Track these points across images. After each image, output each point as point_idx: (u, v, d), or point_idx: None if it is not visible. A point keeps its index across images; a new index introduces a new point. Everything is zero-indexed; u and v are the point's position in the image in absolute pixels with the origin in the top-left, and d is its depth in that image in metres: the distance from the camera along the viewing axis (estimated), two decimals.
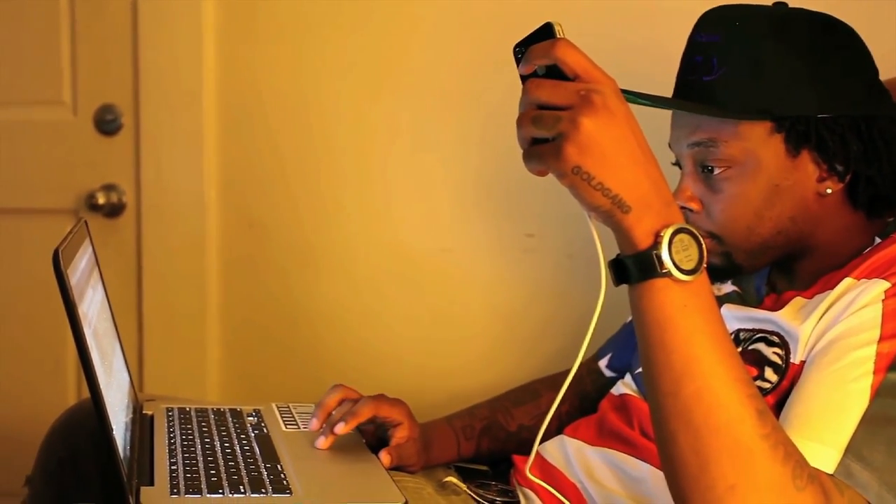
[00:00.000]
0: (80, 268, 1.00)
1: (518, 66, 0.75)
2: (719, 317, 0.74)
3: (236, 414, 1.20)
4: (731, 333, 1.04)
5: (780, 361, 0.97)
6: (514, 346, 1.63)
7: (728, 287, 1.12)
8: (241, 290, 1.78)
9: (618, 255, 0.74)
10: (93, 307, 1.03)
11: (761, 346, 0.99)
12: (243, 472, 1.00)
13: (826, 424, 0.83)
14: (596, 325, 0.77)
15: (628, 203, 0.71)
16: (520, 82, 0.74)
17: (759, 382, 0.96)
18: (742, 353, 0.99)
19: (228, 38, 1.73)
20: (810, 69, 0.97)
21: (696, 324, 0.72)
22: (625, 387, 1.18)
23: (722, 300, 1.10)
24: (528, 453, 0.95)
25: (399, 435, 1.14)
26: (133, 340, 1.80)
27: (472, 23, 1.61)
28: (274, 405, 1.26)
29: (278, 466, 1.03)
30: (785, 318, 0.99)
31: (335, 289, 1.72)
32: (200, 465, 1.01)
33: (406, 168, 1.67)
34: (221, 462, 1.02)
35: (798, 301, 1.00)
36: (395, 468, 1.12)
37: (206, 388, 1.78)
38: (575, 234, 1.56)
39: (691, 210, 1.02)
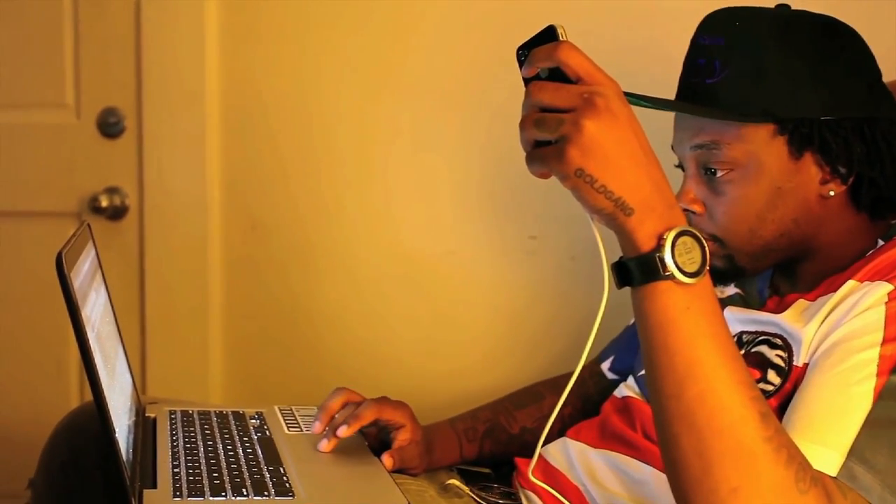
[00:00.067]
0: (84, 270, 1.00)
1: (521, 68, 0.75)
2: (722, 319, 0.74)
3: (239, 416, 1.20)
4: (734, 336, 1.04)
5: (782, 364, 0.97)
6: (517, 348, 1.63)
7: (731, 289, 1.12)
8: (244, 292, 1.78)
9: (620, 257, 0.74)
10: (96, 310, 1.03)
11: (764, 349, 0.99)
12: (246, 475, 1.00)
13: (829, 427, 0.83)
14: (599, 327, 0.78)
15: (631, 205, 0.71)
16: (522, 84, 0.74)
17: (761, 385, 0.96)
18: (745, 356, 0.99)
19: (231, 41, 1.74)
20: (813, 71, 0.97)
21: (699, 326, 0.72)
22: (627, 389, 1.18)
23: (725, 302, 1.10)
24: (530, 456, 0.94)
25: (401, 438, 1.14)
26: (136, 343, 1.80)
27: (474, 24, 1.61)
28: (276, 408, 1.26)
29: (281, 469, 1.03)
30: (788, 320, 0.99)
31: (337, 290, 1.72)
32: (203, 467, 1.01)
33: (408, 169, 1.67)
34: (224, 465, 1.02)
35: (801, 303, 1.00)
36: (398, 471, 1.12)
37: (208, 391, 1.78)
38: (577, 236, 1.56)
39: (694, 212, 1.02)
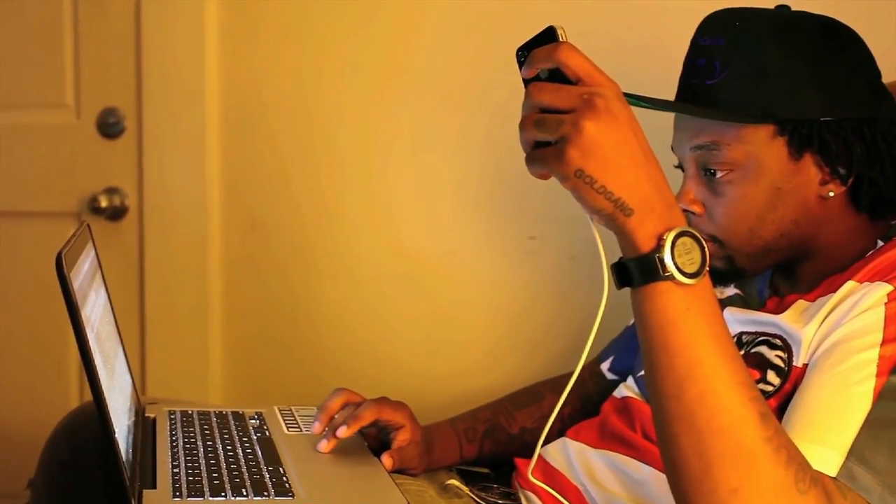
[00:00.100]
0: (83, 271, 1.00)
1: (521, 69, 0.75)
2: (722, 320, 0.74)
3: (238, 416, 1.20)
4: (734, 336, 1.04)
5: (782, 364, 0.97)
6: (517, 349, 1.63)
7: (730, 290, 1.12)
8: (244, 292, 1.78)
9: (620, 258, 0.74)
10: (95, 310, 1.03)
11: (764, 349, 0.99)
12: (245, 475, 1.00)
13: (829, 427, 0.83)
14: (598, 327, 0.78)
15: (631, 206, 0.71)
16: (522, 85, 0.74)
17: (761, 385, 0.96)
18: (744, 356, 0.99)
19: (230, 41, 1.74)
20: (813, 72, 0.97)
21: (698, 327, 0.72)
22: (627, 389, 1.18)
23: (724, 303, 1.10)
24: (530, 456, 0.94)
25: (401, 438, 1.14)
26: (135, 343, 1.80)
27: (474, 24, 1.61)
28: (276, 408, 1.26)
29: (280, 469, 1.03)
30: (787, 320, 0.99)
31: (337, 290, 1.72)
32: (203, 467, 1.01)
33: (408, 169, 1.67)
34: (224, 465, 1.02)
35: (801, 304, 1.00)
36: (398, 471, 1.12)
37: (208, 391, 1.78)
38: (577, 236, 1.56)
39: (694, 213, 1.02)
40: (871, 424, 0.82)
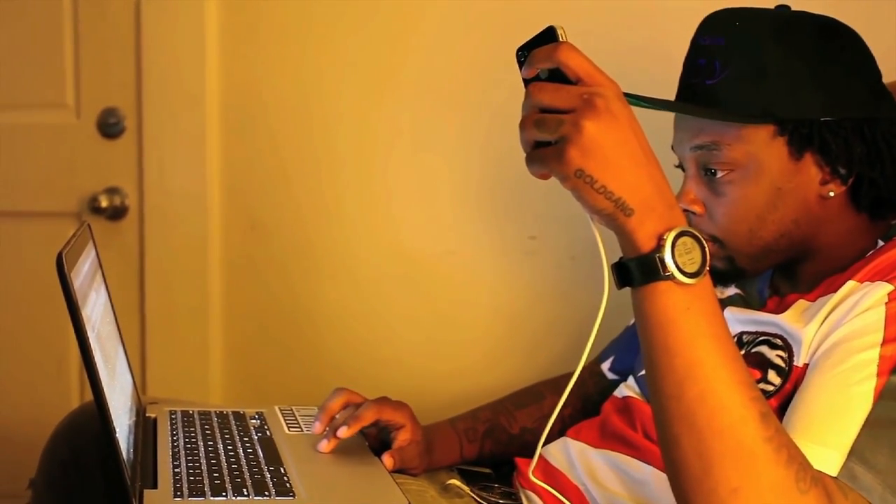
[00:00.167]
0: (84, 271, 1.00)
1: (521, 69, 0.75)
2: (722, 320, 0.74)
3: (239, 416, 1.20)
4: (734, 336, 1.04)
5: (783, 364, 0.97)
6: (517, 349, 1.63)
7: (731, 290, 1.12)
8: (244, 292, 1.78)
9: (621, 258, 0.74)
10: (96, 310, 1.03)
11: (764, 349, 0.99)
12: (246, 475, 1.00)
13: (829, 427, 0.83)
14: (599, 327, 0.78)
15: (631, 206, 0.71)
16: (522, 85, 0.74)
17: (762, 385, 0.96)
18: (745, 356, 0.99)
19: (231, 41, 1.74)
20: (813, 72, 0.97)
21: (699, 327, 0.72)
22: (628, 389, 1.18)
23: (725, 303, 1.10)
24: (530, 456, 0.94)
25: (402, 438, 1.14)
26: (136, 343, 1.80)
27: (474, 24, 1.61)
28: (277, 408, 1.26)
29: (281, 469, 1.03)
30: (788, 320, 0.99)
31: (337, 290, 1.72)
32: (203, 467, 1.01)
33: (408, 169, 1.67)
34: (224, 465, 1.02)
35: (801, 304, 1.00)
36: (398, 471, 1.12)
37: (208, 391, 1.78)
38: (577, 236, 1.56)
39: (694, 213, 1.02)
40: (872, 424, 0.82)
